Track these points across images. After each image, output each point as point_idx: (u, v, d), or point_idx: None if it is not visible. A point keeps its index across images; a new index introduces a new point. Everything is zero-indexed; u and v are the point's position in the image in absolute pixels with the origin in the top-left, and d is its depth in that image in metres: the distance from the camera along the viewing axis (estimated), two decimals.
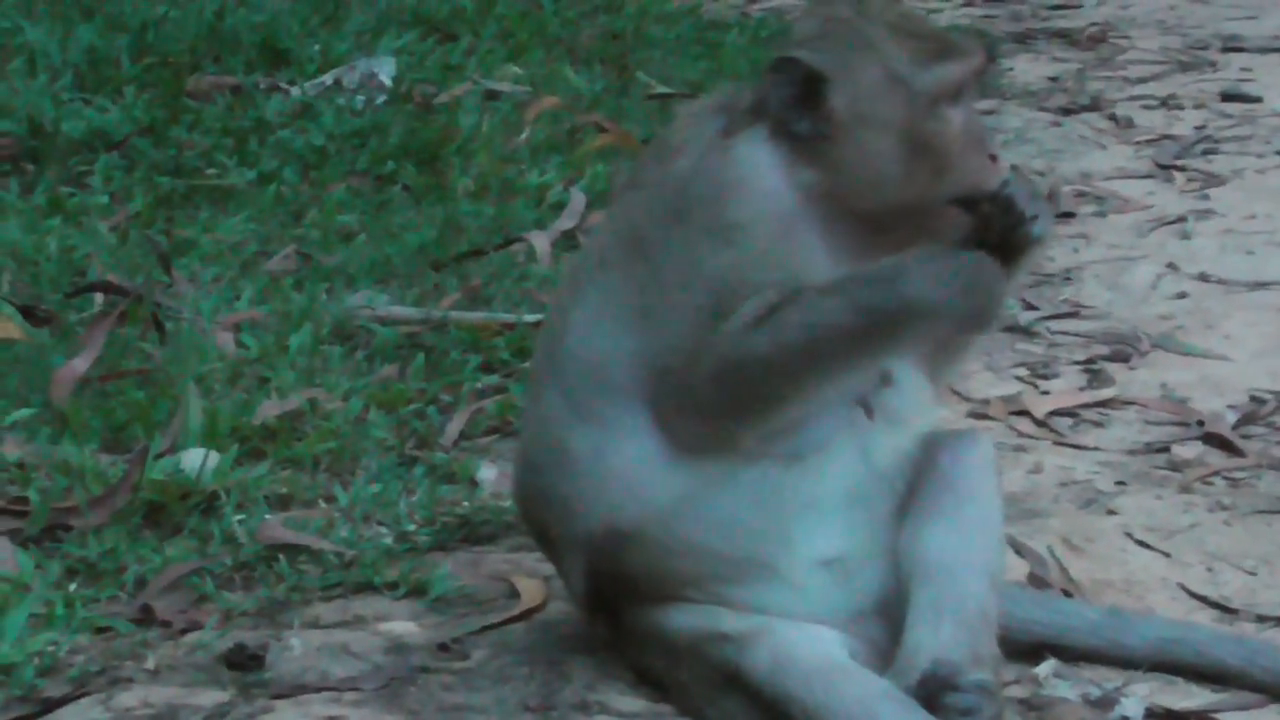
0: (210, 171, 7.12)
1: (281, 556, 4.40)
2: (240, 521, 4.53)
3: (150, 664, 4.01)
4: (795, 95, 3.67)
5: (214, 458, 4.69)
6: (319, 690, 3.92)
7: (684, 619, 3.80)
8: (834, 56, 3.68)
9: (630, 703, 3.88)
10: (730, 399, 3.65)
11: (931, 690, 3.66)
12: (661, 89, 8.56)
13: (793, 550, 3.77)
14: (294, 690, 3.92)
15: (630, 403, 3.73)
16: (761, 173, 3.69)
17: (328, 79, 8.06)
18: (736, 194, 3.68)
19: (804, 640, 3.74)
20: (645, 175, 3.84)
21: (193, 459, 4.69)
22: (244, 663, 3.98)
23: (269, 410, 5.04)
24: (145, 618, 4.16)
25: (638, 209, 3.80)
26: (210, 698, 3.87)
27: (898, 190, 3.67)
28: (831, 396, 3.69)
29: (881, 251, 3.66)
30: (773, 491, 3.73)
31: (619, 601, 3.86)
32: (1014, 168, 3.69)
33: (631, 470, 3.74)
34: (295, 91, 7.89)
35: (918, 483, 3.85)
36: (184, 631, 4.13)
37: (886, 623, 3.83)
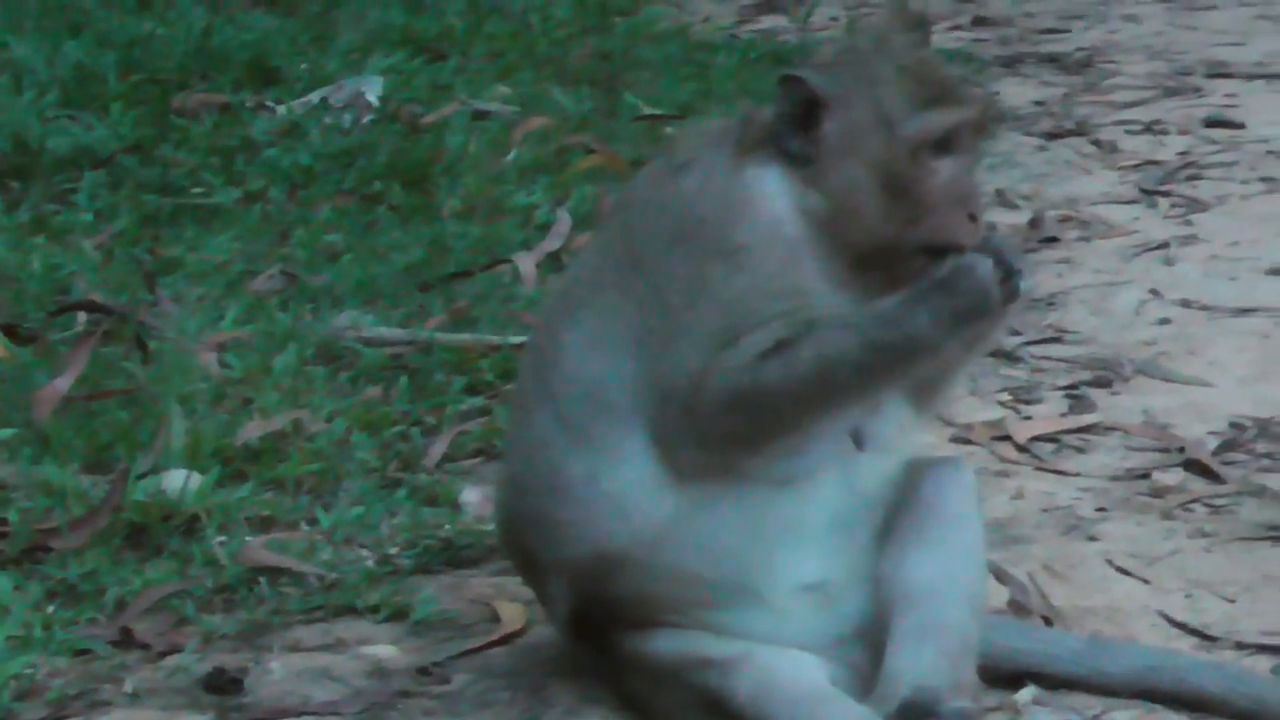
0: (196, 190, 7.12)
1: (263, 579, 4.41)
2: (221, 543, 4.53)
3: (129, 687, 4.00)
4: (794, 114, 3.70)
5: (196, 479, 4.69)
6: (299, 714, 3.92)
7: (667, 644, 3.80)
8: (836, 84, 3.70)
9: None
10: (736, 427, 3.65)
11: (912, 717, 3.67)
12: (650, 110, 8.57)
13: (776, 575, 3.78)
14: (274, 714, 3.92)
15: (627, 426, 3.73)
16: (770, 196, 3.71)
17: (315, 98, 8.07)
18: (744, 216, 3.70)
19: (786, 666, 3.75)
20: (644, 194, 3.84)
21: (175, 480, 4.69)
22: (224, 686, 3.98)
23: (252, 431, 5.04)
24: (125, 640, 4.16)
25: (636, 228, 3.80)
26: None
27: (874, 227, 3.69)
28: (834, 427, 3.71)
29: (876, 284, 3.68)
30: (757, 517, 3.73)
31: (602, 626, 3.86)
32: (993, 226, 3.71)
33: (625, 495, 3.74)
34: (282, 110, 7.90)
35: (900, 509, 3.86)
36: (164, 654, 4.12)
37: (868, 648, 3.83)
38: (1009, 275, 3.61)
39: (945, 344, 3.63)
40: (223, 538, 4.56)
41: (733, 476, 3.72)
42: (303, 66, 8.52)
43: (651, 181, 3.86)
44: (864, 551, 3.84)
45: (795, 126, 3.71)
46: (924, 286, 3.61)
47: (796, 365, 3.62)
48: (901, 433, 3.86)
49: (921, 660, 3.74)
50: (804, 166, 3.71)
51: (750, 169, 3.73)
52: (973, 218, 3.71)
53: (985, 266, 3.58)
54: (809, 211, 3.71)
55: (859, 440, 3.76)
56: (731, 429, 3.66)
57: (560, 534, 3.82)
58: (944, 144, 3.72)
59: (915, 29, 3.80)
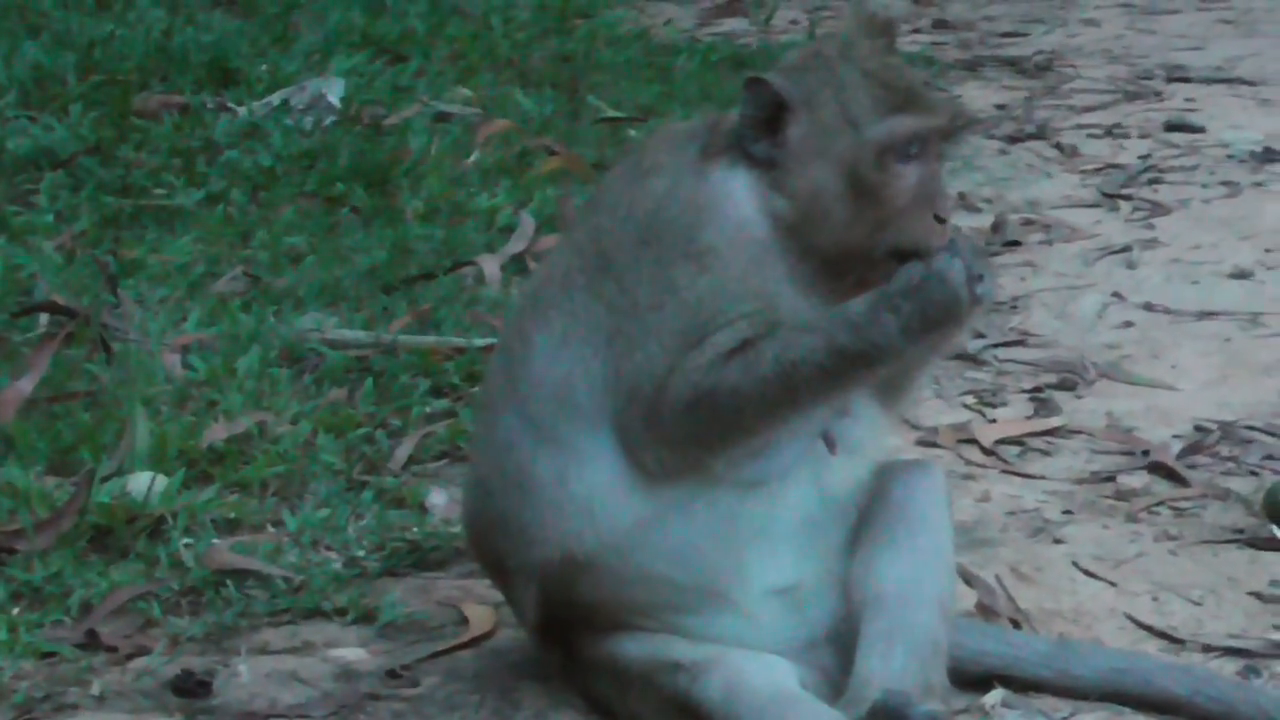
0: (158, 191, 7.08)
1: (229, 581, 4.39)
2: (187, 546, 4.51)
3: (96, 690, 3.98)
4: (759, 117, 3.71)
5: (161, 481, 4.67)
6: (267, 717, 3.91)
7: (636, 647, 3.80)
8: (801, 87, 3.71)
9: None
10: (699, 427, 3.65)
11: None
12: (611, 113, 8.56)
13: (746, 579, 3.78)
14: (242, 717, 3.91)
15: (595, 427, 3.73)
16: (737, 199, 3.72)
17: (276, 99, 8.03)
18: (711, 218, 3.71)
19: (756, 669, 3.75)
20: (613, 196, 3.84)
21: (140, 482, 4.67)
22: (191, 689, 3.96)
23: (217, 433, 5.01)
24: (91, 643, 4.13)
25: (605, 229, 3.80)
26: None
27: (840, 231, 3.70)
28: (798, 430, 3.70)
29: (843, 287, 3.68)
30: (728, 520, 3.74)
31: (571, 629, 3.86)
32: (958, 229, 3.70)
33: (593, 496, 3.74)
34: (243, 111, 7.85)
35: (870, 512, 3.87)
36: (130, 657, 4.11)
37: (838, 651, 3.84)
38: (972, 280, 3.61)
39: (910, 349, 3.63)
40: (188, 540, 4.55)
41: (701, 478, 3.72)
42: (263, 68, 8.48)
43: (619, 184, 3.87)
44: (834, 554, 3.85)
45: (760, 130, 3.72)
46: (892, 291, 3.61)
47: (758, 367, 3.62)
48: (873, 436, 3.86)
49: (891, 663, 3.75)
50: (769, 170, 3.71)
51: (716, 172, 3.75)
52: (940, 220, 3.72)
53: (958, 273, 3.58)
54: (775, 214, 3.71)
55: (830, 443, 3.77)
56: (693, 429, 3.66)
57: (528, 536, 3.81)
58: (910, 149, 3.72)
59: (881, 34, 3.81)
